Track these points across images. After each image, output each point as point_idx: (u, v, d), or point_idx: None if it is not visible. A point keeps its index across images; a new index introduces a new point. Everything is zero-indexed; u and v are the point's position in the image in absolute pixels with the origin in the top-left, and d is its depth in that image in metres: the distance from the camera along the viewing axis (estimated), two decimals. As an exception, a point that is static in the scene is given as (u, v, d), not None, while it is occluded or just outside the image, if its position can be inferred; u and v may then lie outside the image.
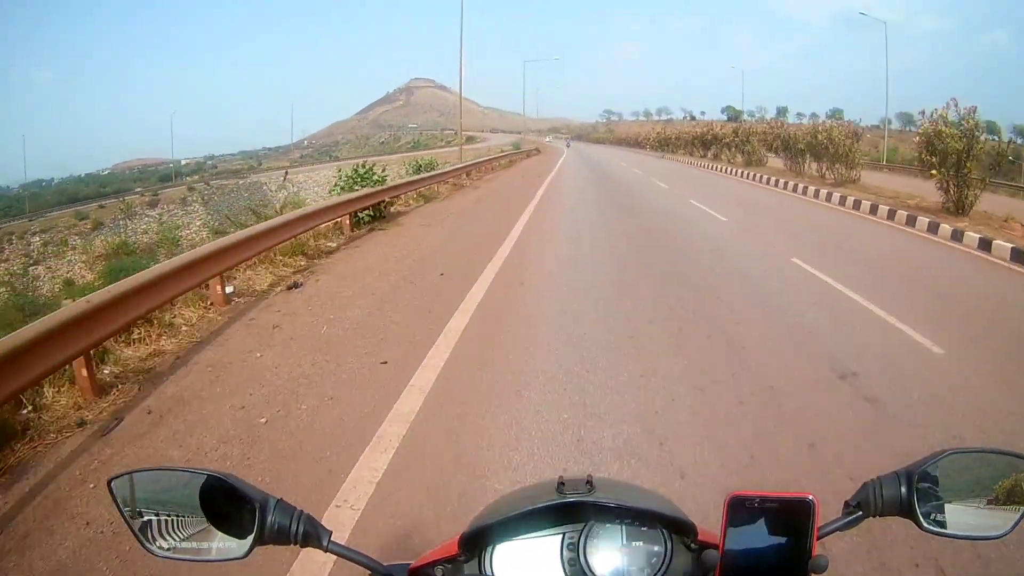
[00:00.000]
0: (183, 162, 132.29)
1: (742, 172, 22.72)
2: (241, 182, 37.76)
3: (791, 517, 0.61)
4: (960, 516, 0.69)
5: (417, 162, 17.78)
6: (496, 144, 56.94)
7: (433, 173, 15.04)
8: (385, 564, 0.75)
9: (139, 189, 59.64)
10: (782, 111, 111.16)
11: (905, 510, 0.70)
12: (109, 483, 0.69)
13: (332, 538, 0.72)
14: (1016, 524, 0.68)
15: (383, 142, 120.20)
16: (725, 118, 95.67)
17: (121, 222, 32.30)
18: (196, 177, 71.89)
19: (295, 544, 0.70)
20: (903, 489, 0.70)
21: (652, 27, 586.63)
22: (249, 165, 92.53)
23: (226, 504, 0.68)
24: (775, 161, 24.39)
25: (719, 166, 26.71)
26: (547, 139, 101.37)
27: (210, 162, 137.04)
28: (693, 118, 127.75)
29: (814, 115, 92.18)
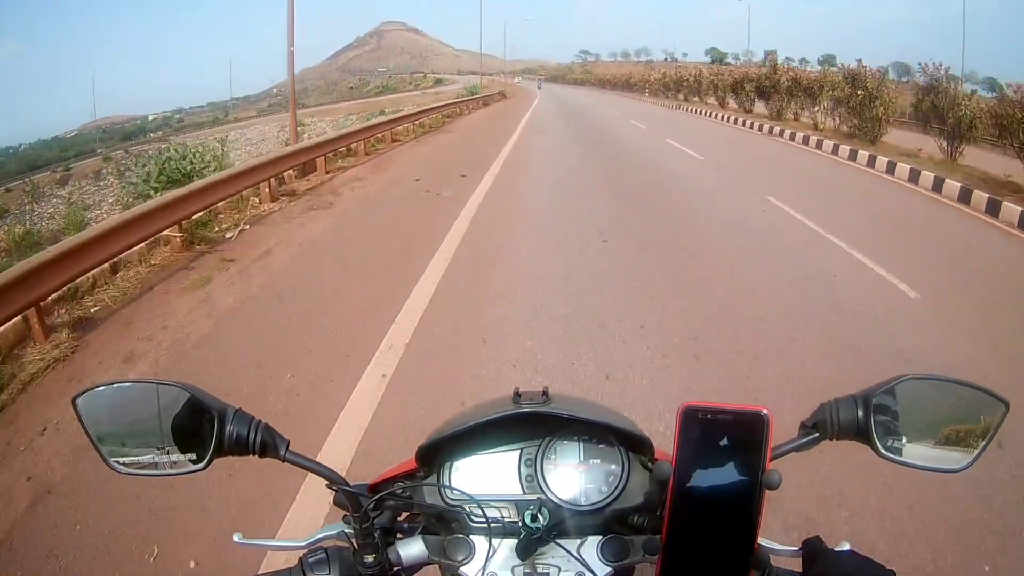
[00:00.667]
0: (150, 117, 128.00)
1: (771, 128, 18.37)
2: (163, 146, 35.01)
3: (745, 431, 0.58)
4: (917, 445, 0.68)
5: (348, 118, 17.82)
6: (458, 88, 56.39)
7: (315, 143, 10.49)
8: (344, 477, 0.73)
9: (100, 150, 58.56)
10: (769, 54, 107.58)
11: (862, 434, 0.68)
12: (74, 400, 0.67)
13: (290, 448, 0.71)
14: (975, 459, 0.67)
15: (351, 87, 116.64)
16: (709, 60, 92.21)
17: (27, 207, 30.79)
18: (160, 134, 70.35)
19: (253, 455, 0.69)
20: (860, 412, 0.68)
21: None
22: (214, 117, 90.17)
23: (187, 417, 0.67)
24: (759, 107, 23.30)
25: (737, 118, 21.83)
26: (516, 80, 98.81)
27: (177, 116, 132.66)
28: (675, 60, 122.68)
29: (804, 60, 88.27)
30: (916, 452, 0.68)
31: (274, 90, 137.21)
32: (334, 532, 0.75)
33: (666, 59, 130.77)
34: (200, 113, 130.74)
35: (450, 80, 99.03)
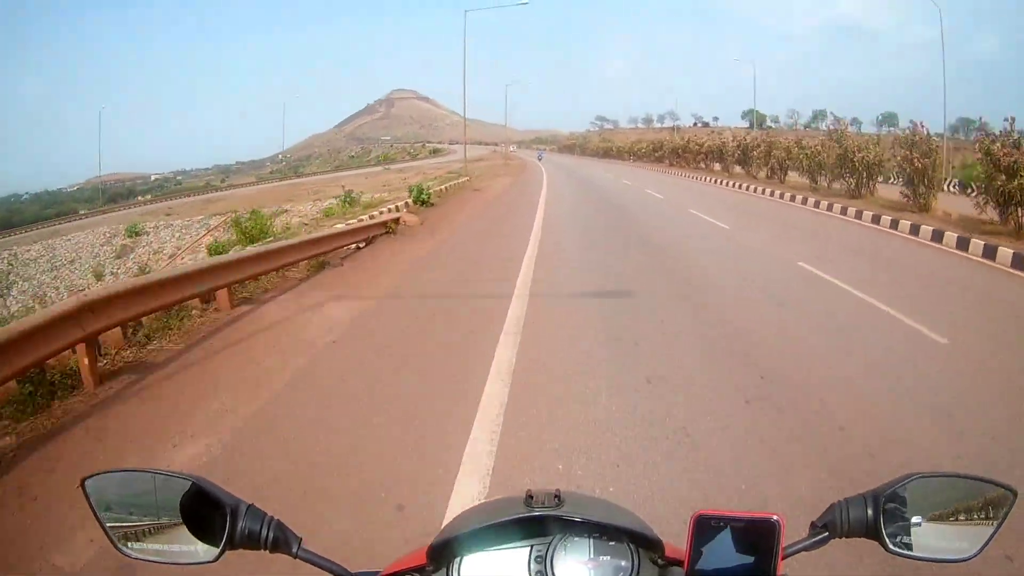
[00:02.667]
0: (152, 177, 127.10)
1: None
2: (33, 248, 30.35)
3: (757, 536, 0.62)
4: (927, 538, 0.71)
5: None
6: (450, 160, 51.72)
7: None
8: (354, 572, 0.75)
9: (83, 211, 54.58)
10: (819, 115, 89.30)
11: (871, 532, 0.72)
12: (83, 482, 0.69)
13: (302, 545, 0.73)
14: (983, 547, 0.70)
15: (352, 156, 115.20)
16: (747, 124, 76.57)
17: None
18: (148, 197, 66.49)
19: (265, 549, 0.71)
20: (869, 511, 0.72)
21: (645, 33, 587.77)
22: (206, 183, 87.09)
23: (199, 508, 0.69)
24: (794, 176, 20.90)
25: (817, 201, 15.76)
26: (512, 148, 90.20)
27: (179, 176, 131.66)
28: (706, 124, 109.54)
29: (856, 121, 66.18)
30: (925, 545, 0.71)
31: (280, 156, 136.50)
32: None
33: (695, 123, 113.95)
34: (202, 175, 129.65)
35: (447, 151, 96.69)
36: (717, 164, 30.62)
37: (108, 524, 0.69)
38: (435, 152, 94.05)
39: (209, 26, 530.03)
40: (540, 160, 54.41)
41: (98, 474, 0.69)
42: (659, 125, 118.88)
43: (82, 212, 52.76)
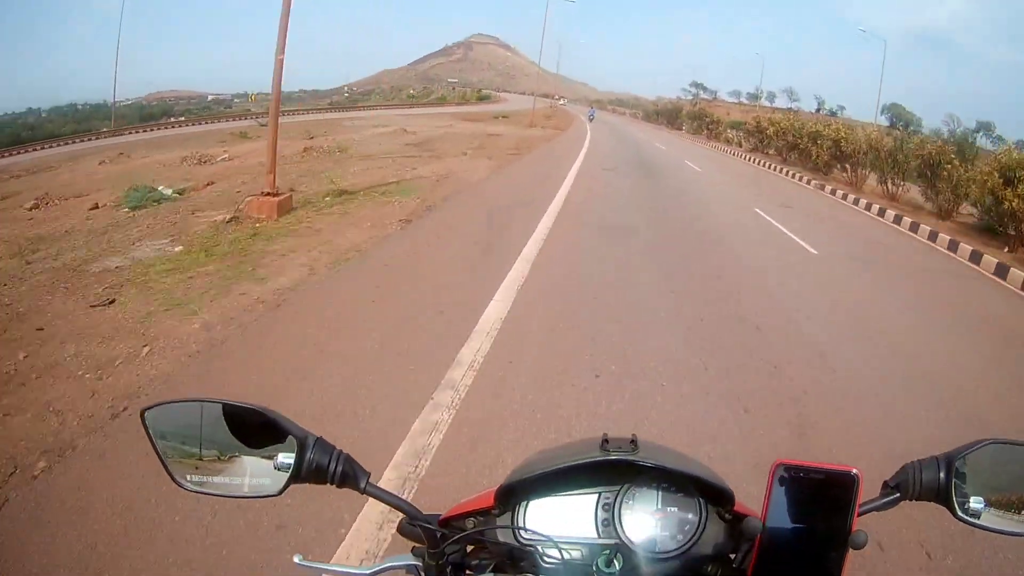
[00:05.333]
0: (209, 97, 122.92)
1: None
2: None
3: (833, 490, 0.60)
4: (996, 509, 0.68)
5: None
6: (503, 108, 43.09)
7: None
8: (421, 511, 0.74)
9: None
10: (984, 127, 48.44)
11: (942, 497, 0.69)
12: (142, 413, 0.67)
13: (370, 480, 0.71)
14: None
15: (411, 95, 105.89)
16: (887, 122, 53.16)
17: None
18: (182, 118, 59.68)
19: (332, 484, 0.69)
20: (942, 475, 0.68)
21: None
22: (264, 110, 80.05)
23: (263, 438, 0.67)
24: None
25: None
26: (562, 102, 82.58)
27: (236, 99, 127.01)
28: (832, 113, 73.31)
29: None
30: (994, 516, 0.68)
31: (344, 88, 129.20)
32: (402, 563, 0.74)
33: (818, 110, 79.16)
34: (259, 99, 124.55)
35: (497, 99, 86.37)
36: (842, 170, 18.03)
37: (167, 457, 0.67)
38: (483, 99, 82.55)
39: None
40: (591, 120, 41.07)
41: (158, 404, 0.67)
42: (767, 104, 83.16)
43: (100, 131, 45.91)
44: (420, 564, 0.72)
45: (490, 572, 0.74)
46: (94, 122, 62.13)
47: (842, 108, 79.11)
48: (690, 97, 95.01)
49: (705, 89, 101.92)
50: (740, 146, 30.89)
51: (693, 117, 47.36)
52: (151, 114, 73.45)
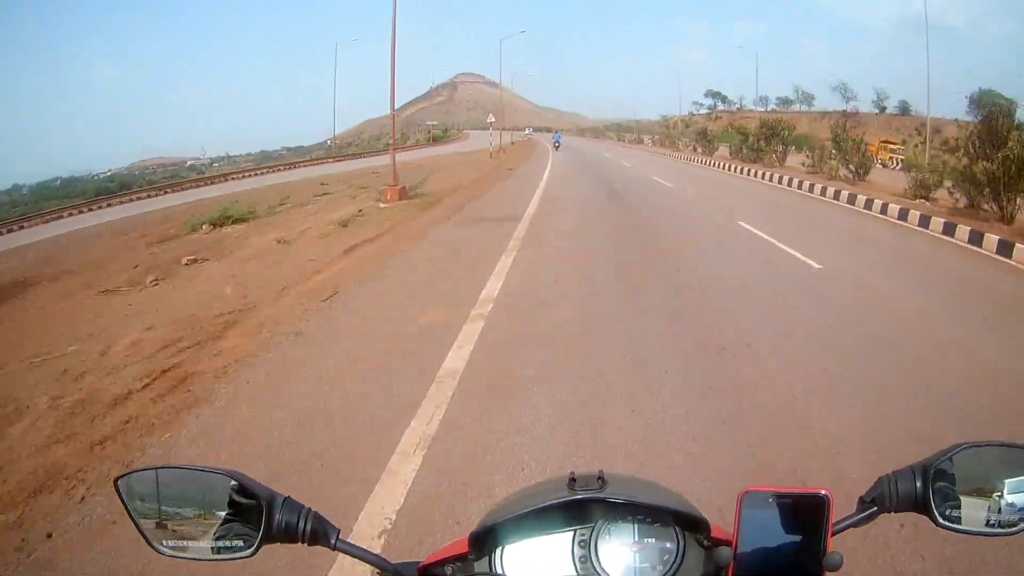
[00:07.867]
0: (187, 163, 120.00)
1: None
2: None
3: (805, 513, 0.60)
4: (975, 511, 0.68)
5: None
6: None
7: None
8: (394, 563, 0.73)
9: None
10: None
11: (920, 506, 0.68)
12: (115, 481, 0.68)
13: (340, 536, 0.71)
14: None
15: (388, 143, 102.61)
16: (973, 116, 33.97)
17: None
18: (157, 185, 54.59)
19: (302, 542, 0.69)
20: (918, 484, 0.68)
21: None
22: (238, 169, 75.99)
23: (233, 502, 0.67)
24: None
25: None
26: (527, 132, 79.13)
27: (216, 163, 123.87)
28: (904, 112, 55.25)
29: None
30: (974, 518, 0.68)
31: (327, 141, 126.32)
32: None
33: (883, 109, 58.23)
34: (241, 162, 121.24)
35: (460, 136, 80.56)
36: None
37: (142, 522, 0.67)
38: (436, 140, 71.31)
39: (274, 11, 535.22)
40: (556, 148, 35.85)
41: (131, 473, 0.68)
42: (803, 108, 63.29)
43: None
44: None
45: None
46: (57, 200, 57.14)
47: (905, 105, 56.37)
48: (706, 111, 75.16)
49: (724, 100, 76.12)
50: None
51: (743, 138, 26.87)
52: (123, 183, 67.65)
